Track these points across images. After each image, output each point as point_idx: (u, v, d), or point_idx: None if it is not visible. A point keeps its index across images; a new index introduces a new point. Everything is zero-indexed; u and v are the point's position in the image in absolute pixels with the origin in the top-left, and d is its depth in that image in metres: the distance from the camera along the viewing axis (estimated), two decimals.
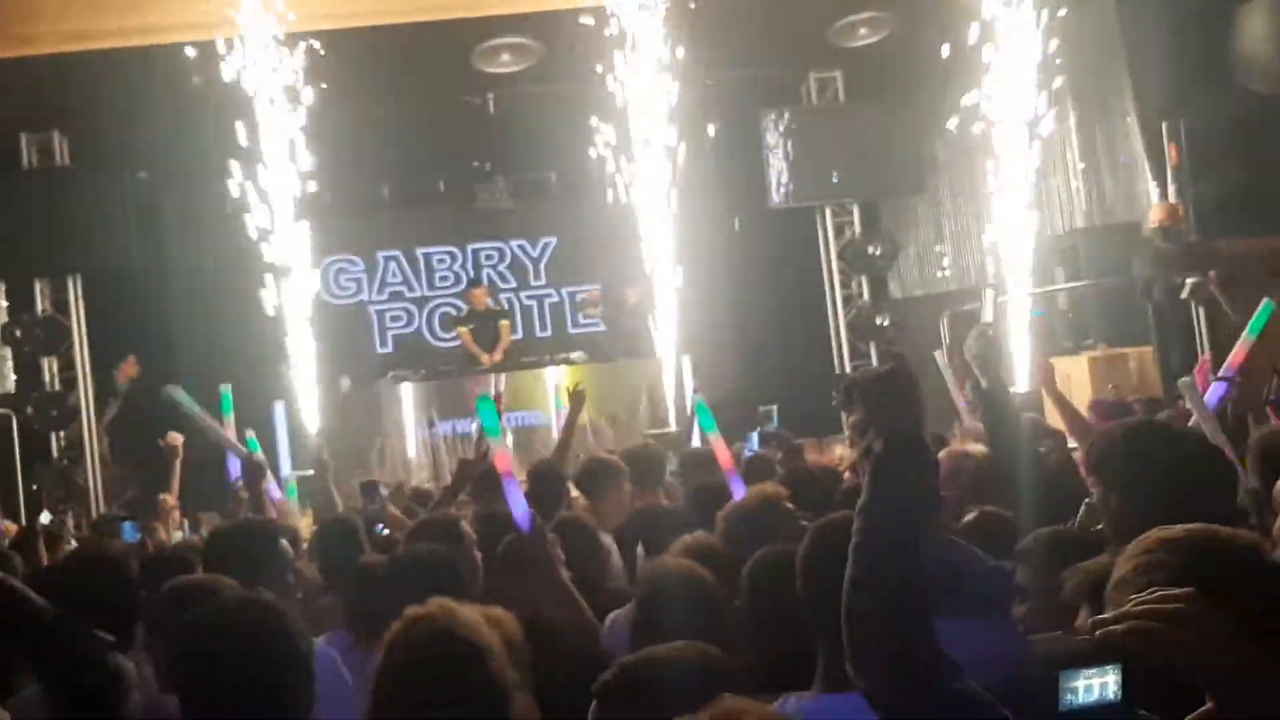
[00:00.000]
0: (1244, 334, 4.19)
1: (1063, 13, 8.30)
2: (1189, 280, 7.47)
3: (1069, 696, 1.18)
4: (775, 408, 8.05)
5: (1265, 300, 4.39)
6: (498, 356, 10.32)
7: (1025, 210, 9.12)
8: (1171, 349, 7.56)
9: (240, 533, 3.61)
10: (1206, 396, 3.86)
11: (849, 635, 1.96)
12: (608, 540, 4.43)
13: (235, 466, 5.19)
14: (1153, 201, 9.17)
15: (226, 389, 5.61)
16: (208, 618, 2.28)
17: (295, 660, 2.16)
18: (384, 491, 5.91)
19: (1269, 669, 1.21)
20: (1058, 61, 8.68)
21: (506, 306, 11.36)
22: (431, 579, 3.17)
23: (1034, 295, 9.06)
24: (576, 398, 6.33)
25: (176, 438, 5.39)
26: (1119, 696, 1.18)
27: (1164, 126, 8.84)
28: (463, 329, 10.42)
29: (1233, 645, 1.19)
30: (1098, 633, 1.22)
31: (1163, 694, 1.24)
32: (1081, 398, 7.87)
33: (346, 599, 3.61)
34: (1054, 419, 4.94)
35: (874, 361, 10.66)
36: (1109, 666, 1.21)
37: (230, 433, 5.57)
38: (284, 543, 3.43)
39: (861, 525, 1.94)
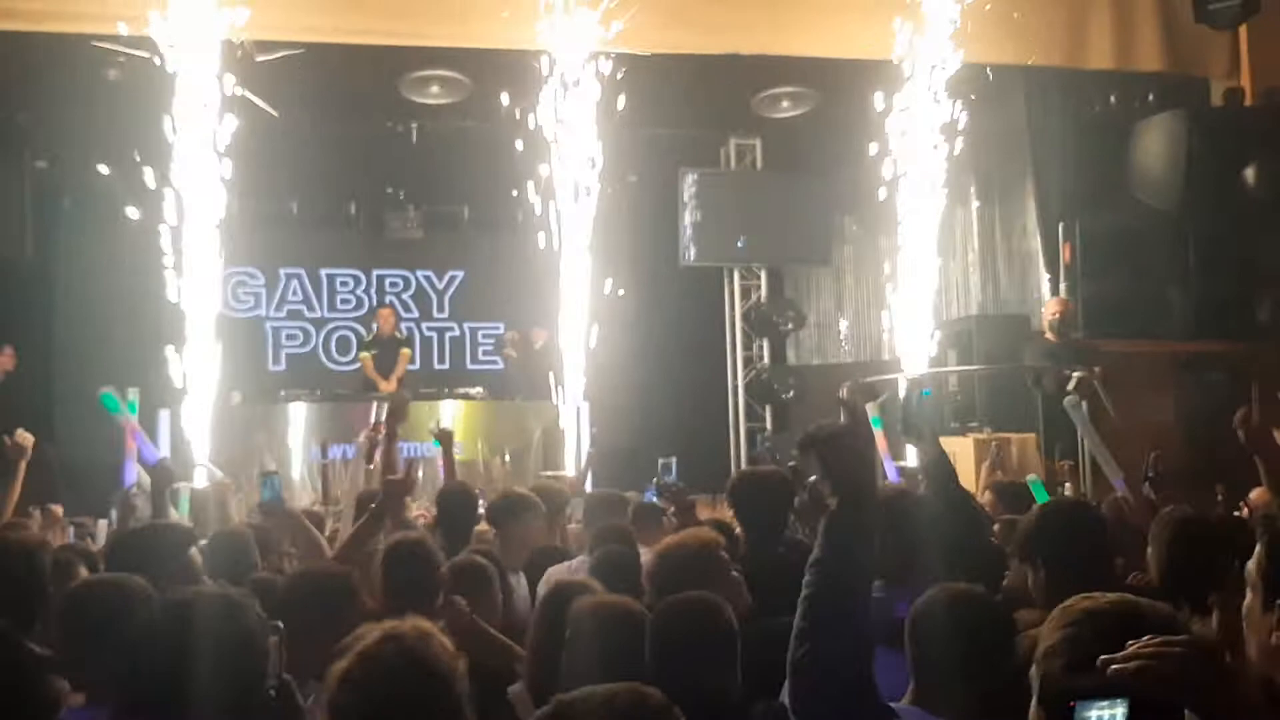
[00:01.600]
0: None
1: (971, 112, 8.72)
2: (1075, 374, 7.82)
3: None
4: (675, 460, 8.12)
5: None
6: (394, 384, 10.22)
7: (924, 293, 9.50)
8: (1055, 437, 7.90)
9: (150, 537, 3.46)
10: None
11: (793, 683, 2.02)
12: (513, 578, 4.42)
13: (131, 472, 5.04)
14: (1044, 296, 9.62)
15: (134, 394, 5.46)
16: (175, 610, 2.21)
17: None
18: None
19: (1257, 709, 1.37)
20: (964, 154, 9.11)
21: (407, 335, 11.27)
22: (329, 600, 3.14)
23: (926, 375, 9.39)
24: (445, 436, 6.43)
25: (26, 437, 4.82)
26: None
27: (1060, 227, 9.30)
28: (365, 354, 10.30)
29: (1223, 686, 1.34)
30: (1110, 669, 1.37)
31: None
32: (966, 476, 8.18)
33: None
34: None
35: (769, 425, 10.89)
36: (1118, 700, 1.38)
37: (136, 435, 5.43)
38: (194, 550, 3.34)
39: (813, 579, 2.02)
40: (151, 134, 8.48)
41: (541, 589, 3.83)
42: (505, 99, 8.94)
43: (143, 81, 8.24)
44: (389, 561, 3.40)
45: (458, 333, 12.10)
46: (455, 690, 1.88)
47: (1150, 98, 9.42)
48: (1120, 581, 2.81)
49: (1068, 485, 7.05)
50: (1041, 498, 5.07)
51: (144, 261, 9.04)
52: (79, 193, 10.64)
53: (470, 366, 11.98)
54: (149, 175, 8.76)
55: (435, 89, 9.64)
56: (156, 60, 8.10)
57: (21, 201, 9.54)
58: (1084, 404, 7.82)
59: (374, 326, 10.57)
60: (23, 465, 4.85)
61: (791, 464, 5.07)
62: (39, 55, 8.35)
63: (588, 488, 8.06)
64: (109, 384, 5.95)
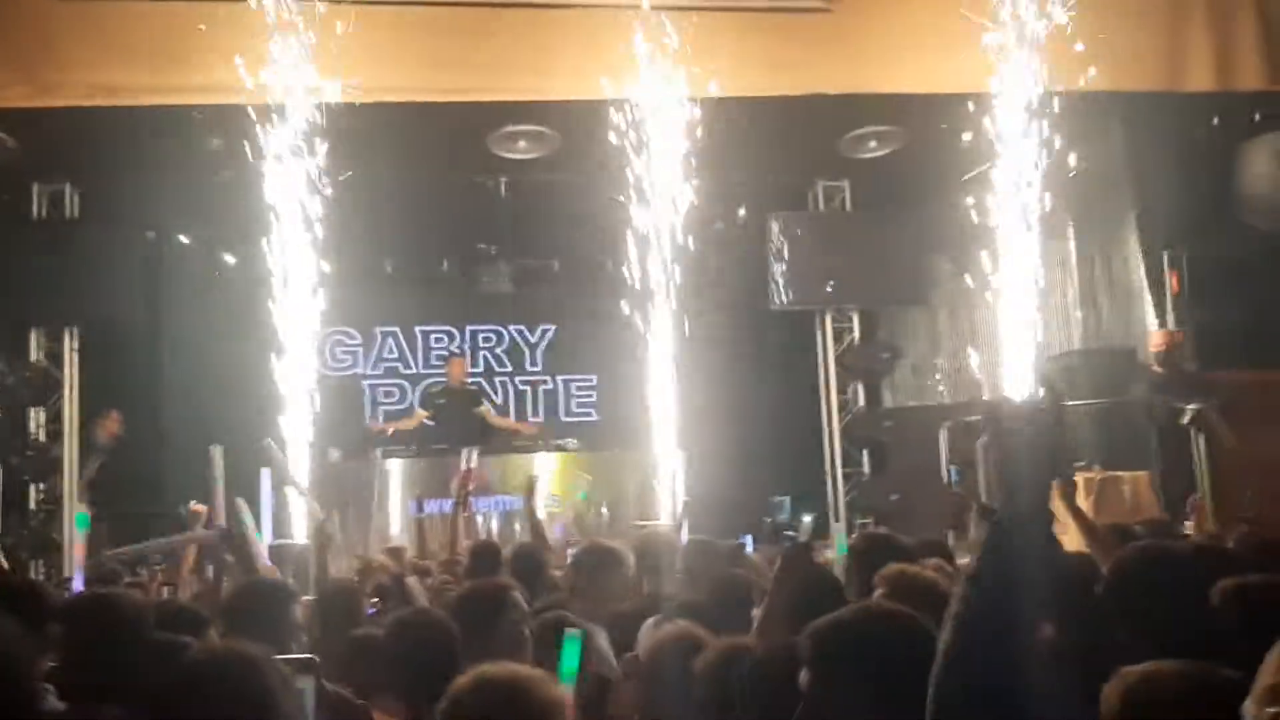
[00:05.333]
0: None
1: (1066, 142, 8.50)
2: (1189, 407, 7.50)
3: None
4: (788, 499, 7.91)
5: None
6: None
7: (1023, 329, 9.22)
8: (1172, 473, 7.57)
9: (262, 593, 3.59)
10: None
11: (935, 712, 1.84)
12: (596, 629, 4.35)
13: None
14: (1150, 328, 9.28)
15: (217, 452, 5.64)
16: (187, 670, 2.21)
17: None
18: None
19: None
20: (1060, 185, 8.87)
21: (477, 387, 11.21)
22: (431, 650, 3.12)
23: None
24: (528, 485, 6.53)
25: (201, 508, 5.43)
26: None
27: (1165, 255, 8.98)
28: (422, 411, 10.49)
29: None
30: None
31: None
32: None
33: (340, 670, 3.52)
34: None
35: (865, 469, 10.65)
36: None
37: (219, 497, 5.61)
38: (297, 607, 3.39)
39: (965, 594, 1.82)
40: (251, 201, 8.73)
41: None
42: (591, 151, 8.99)
43: (240, 149, 8.48)
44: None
45: (551, 385, 12.14)
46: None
47: (1256, 117, 9.08)
48: None
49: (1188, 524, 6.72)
50: None
51: (245, 325, 9.28)
52: (184, 259, 10.97)
53: (565, 419, 11.99)
54: (249, 240, 9.01)
55: (523, 144, 9.73)
56: (253, 129, 8.36)
57: (128, 270, 9.86)
58: (1200, 438, 7.49)
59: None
60: (198, 528, 5.55)
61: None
62: (143, 128, 8.64)
63: (684, 537, 7.95)
64: (189, 444, 6.24)
